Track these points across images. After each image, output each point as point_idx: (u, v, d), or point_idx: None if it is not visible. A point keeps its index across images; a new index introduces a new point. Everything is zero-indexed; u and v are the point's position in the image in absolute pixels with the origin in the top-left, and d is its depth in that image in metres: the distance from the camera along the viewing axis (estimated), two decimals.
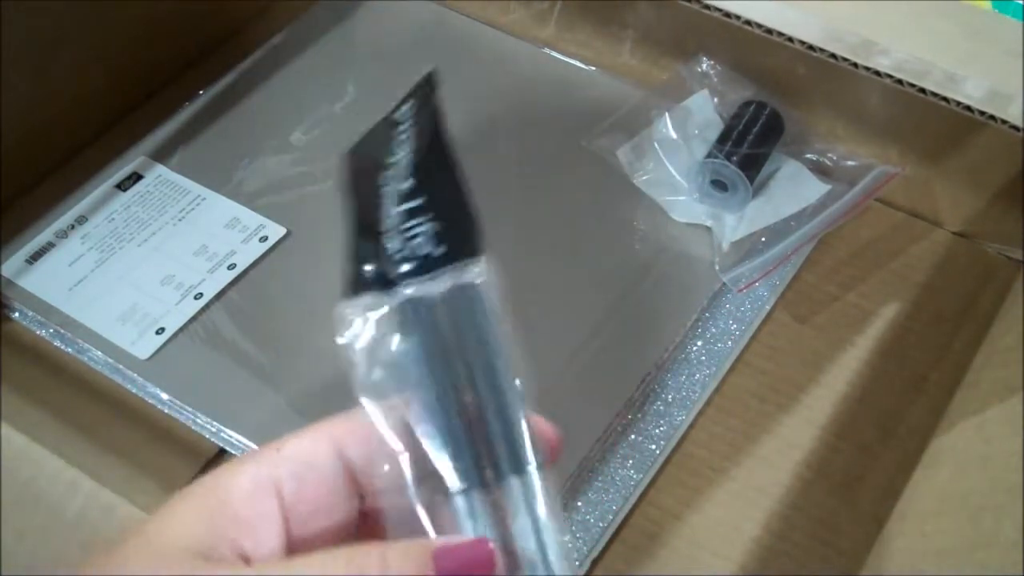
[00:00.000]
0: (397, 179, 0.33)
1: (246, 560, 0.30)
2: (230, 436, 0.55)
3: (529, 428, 0.33)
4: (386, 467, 0.32)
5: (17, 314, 0.60)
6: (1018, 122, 0.45)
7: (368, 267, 0.33)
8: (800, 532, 0.54)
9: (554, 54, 0.74)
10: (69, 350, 0.59)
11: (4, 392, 0.57)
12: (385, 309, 0.32)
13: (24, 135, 0.65)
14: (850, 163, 0.66)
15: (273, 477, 0.31)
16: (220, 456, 0.56)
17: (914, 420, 0.57)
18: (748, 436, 0.57)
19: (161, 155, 0.67)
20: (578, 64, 0.73)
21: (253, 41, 0.75)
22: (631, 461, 0.56)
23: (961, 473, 0.46)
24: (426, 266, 0.32)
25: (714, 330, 0.61)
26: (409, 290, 0.32)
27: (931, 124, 0.64)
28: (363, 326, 0.32)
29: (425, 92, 0.34)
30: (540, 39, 0.75)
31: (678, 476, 0.56)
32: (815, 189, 0.65)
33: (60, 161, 0.69)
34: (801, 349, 0.61)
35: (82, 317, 0.59)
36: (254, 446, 0.54)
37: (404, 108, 0.34)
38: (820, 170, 0.66)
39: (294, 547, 0.31)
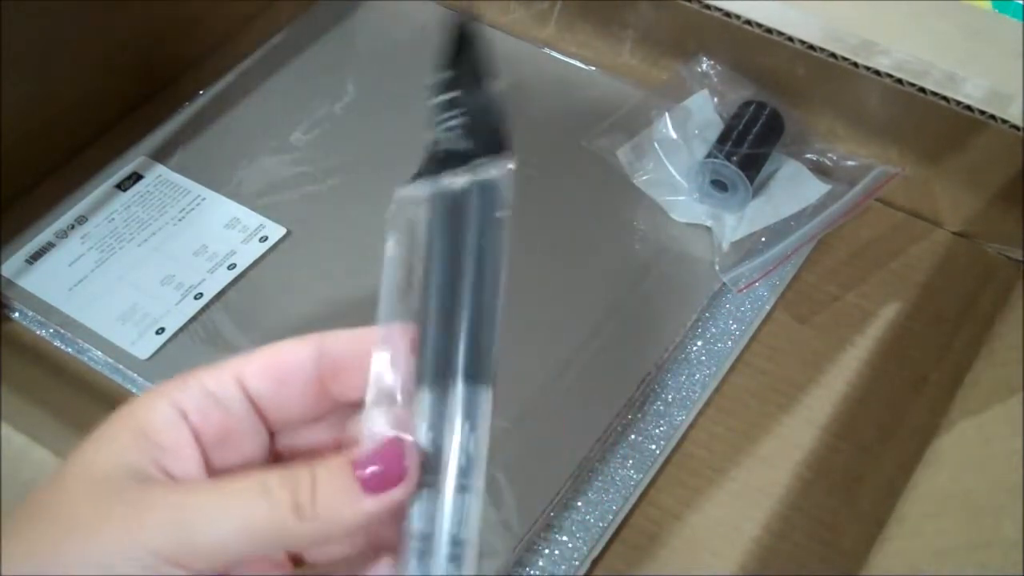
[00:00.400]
0: (442, 80, 0.35)
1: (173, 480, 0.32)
2: None
3: (495, 352, 0.33)
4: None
5: (17, 314, 0.60)
6: (1018, 122, 0.45)
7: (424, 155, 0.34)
8: (800, 532, 0.54)
9: (554, 54, 0.74)
10: (69, 350, 0.59)
11: (4, 392, 0.57)
12: (409, 200, 0.34)
13: (24, 135, 0.65)
14: (850, 163, 0.66)
15: (181, 407, 0.33)
16: None
17: (914, 420, 0.57)
18: (748, 436, 0.57)
19: (161, 155, 0.68)
20: (578, 64, 0.73)
21: (253, 41, 0.75)
22: (631, 461, 0.56)
23: (961, 473, 0.46)
24: (456, 159, 0.34)
25: (714, 330, 0.61)
26: (429, 186, 0.34)
27: (931, 124, 0.64)
28: (395, 213, 0.34)
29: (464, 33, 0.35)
30: (540, 39, 0.75)
31: (678, 476, 0.56)
32: (815, 189, 0.65)
33: (60, 161, 0.69)
34: (801, 349, 0.61)
35: (82, 317, 0.59)
36: None
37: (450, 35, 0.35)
38: (820, 170, 0.66)
39: (211, 474, 0.33)
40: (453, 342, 0.32)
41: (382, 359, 0.33)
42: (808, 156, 0.67)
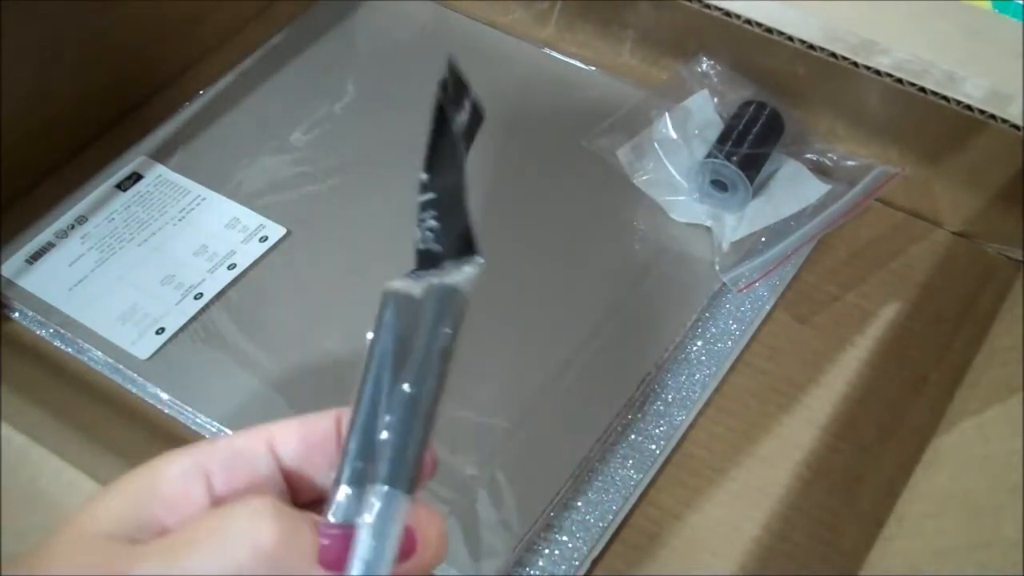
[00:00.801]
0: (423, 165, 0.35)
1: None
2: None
3: (415, 456, 0.32)
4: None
5: (17, 314, 0.60)
6: (1018, 122, 0.45)
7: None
8: (800, 532, 0.54)
9: (554, 54, 0.74)
10: (69, 350, 0.59)
11: (4, 392, 0.57)
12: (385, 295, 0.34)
13: (24, 135, 0.65)
14: (850, 163, 0.66)
15: (203, 465, 0.33)
16: None
17: (914, 420, 0.57)
18: (748, 436, 0.57)
19: (161, 155, 0.68)
20: (578, 64, 0.73)
21: (253, 41, 0.75)
22: (631, 461, 0.56)
23: (961, 473, 0.46)
24: (427, 260, 0.34)
25: (714, 330, 0.61)
26: (397, 283, 0.34)
27: (931, 124, 0.64)
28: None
29: (447, 89, 0.35)
30: (540, 39, 0.75)
31: (678, 476, 0.56)
32: (815, 189, 0.65)
33: (60, 161, 0.69)
34: (801, 349, 0.61)
35: (82, 317, 0.59)
36: None
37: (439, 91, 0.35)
38: (820, 170, 0.66)
39: None
40: (378, 442, 0.32)
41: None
42: (808, 156, 0.67)
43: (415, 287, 0.34)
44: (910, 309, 0.63)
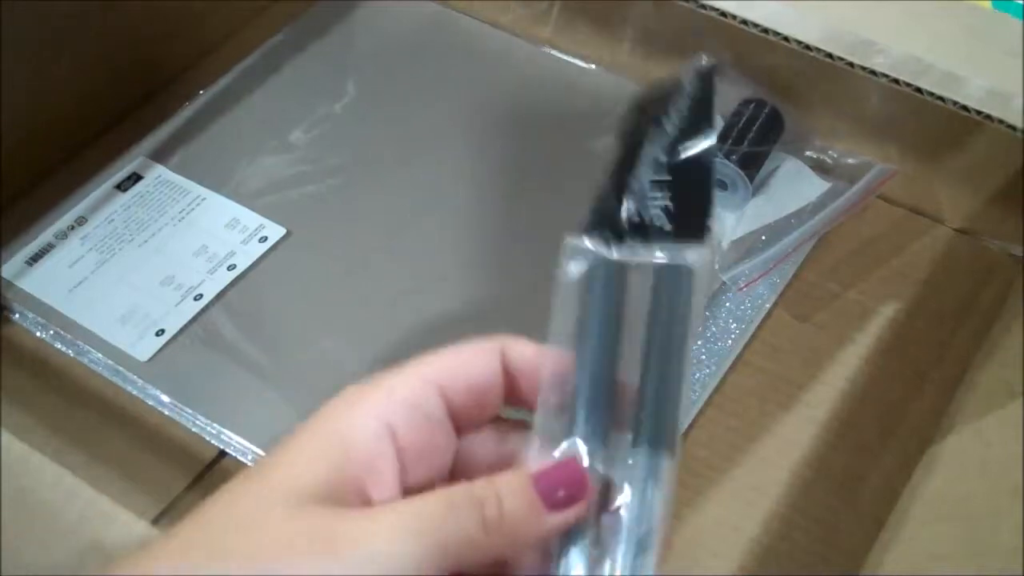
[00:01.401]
0: (659, 146, 0.35)
1: (368, 505, 0.31)
2: (230, 438, 0.55)
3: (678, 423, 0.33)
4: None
5: (17, 316, 0.60)
6: (1018, 122, 0.45)
7: (607, 214, 0.35)
8: (800, 532, 0.54)
9: (554, 53, 0.74)
10: (69, 352, 0.59)
11: (4, 394, 0.57)
12: (599, 260, 0.34)
13: (24, 135, 0.65)
14: (850, 161, 0.66)
15: (388, 424, 0.32)
16: (218, 460, 0.56)
17: (915, 419, 0.57)
18: (748, 436, 0.57)
19: (161, 155, 0.67)
20: (578, 63, 0.73)
21: (253, 41, 0.75)
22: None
23: (960, 477, 0.46)
24: (652, 236, 0.34)
25: (714, 329, 0.61)
26: (625, 253, 0.34)
27: (931, 121, 0.64)
28: (575, 269, 0.35)
29: (708, 80, 0.35)
30: (540, 38, 0.75)
31: (678, 476, 0.56)
32: (815, 187, 0.65)
33: (60, 161, 0.69)
34: (801, 348, 0.61)
35: (82, 319, 0.59)
36: (255, 448, 0.54)
37: (692, 80, 0.35)
38: (820, 168, 0.66)
39: (405, 493, 0.32)
40: (642, 406, 0.33)
41: (555, 384, 0.34)
42: (808, 154, 0.67)
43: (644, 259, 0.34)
44: (911, 306, 0.62)
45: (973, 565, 0.40)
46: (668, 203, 0.34)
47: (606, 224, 0.35)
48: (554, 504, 0.31)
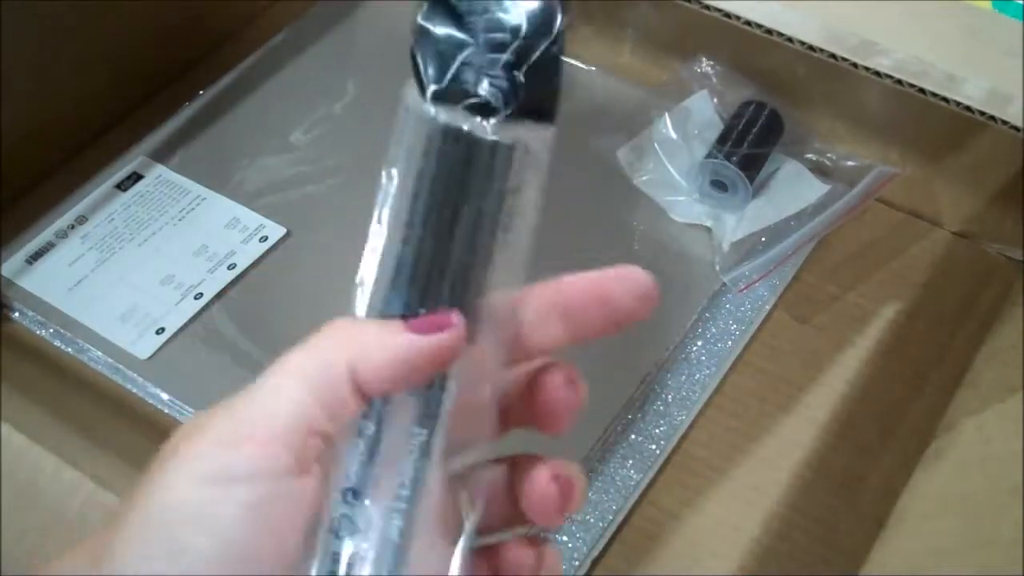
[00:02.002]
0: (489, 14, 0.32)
1: None
2: None
3: (480, 297, 0.33)
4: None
5: (17, 314, 0.60)
6: (1018, 122, 0.45)
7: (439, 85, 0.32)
8: (800, 532, 0.54)
9: None
10: (69, 350, 0.59)
11: (4, 392, 0.57)
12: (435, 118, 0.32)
13: (24, 135, 0.65)
14: (850, 163, 0.66)
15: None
16: None
17: (914, 420, 0.57)
18: (748, 436, 0.57)
19: (161, 155, 0.67)
20: (578, 64, 0.73)
21: (253, 41, 0.75)
22: (631, 461, 0.56)
23: (961, 474, 0.46)
24: (488, 111, 0.32)
25: (714, 330, 0.61)
26: (455, 117, 0.32)
27: (931, 124, 0.64)
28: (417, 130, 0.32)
29: None
30: None
31: (678, 476, 0.56)
32: (815, 189, 0.65)
33: (60, 161, 0.69)
34: (801, 349, 0.61)
35: (82, 317, 0.59)
36: None
37: None
38: (820, 170, 0.66)
39: None
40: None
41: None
42: (808, 156, 0.67)
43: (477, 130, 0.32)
44: (910, 309, 0.63)
45: (973, 561, 0.40)
46: (512, 81, 0.32)
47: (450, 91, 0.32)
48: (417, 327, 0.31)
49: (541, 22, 0.32)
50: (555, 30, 0.32)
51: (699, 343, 0.60)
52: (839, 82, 0.65)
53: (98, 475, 0.53)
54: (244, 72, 0.73)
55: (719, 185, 0.64)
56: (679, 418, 0.57)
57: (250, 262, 0.62)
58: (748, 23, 0.48)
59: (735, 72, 0.69)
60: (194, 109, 0.70)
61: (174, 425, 0.56)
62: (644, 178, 0.66)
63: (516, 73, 0.32)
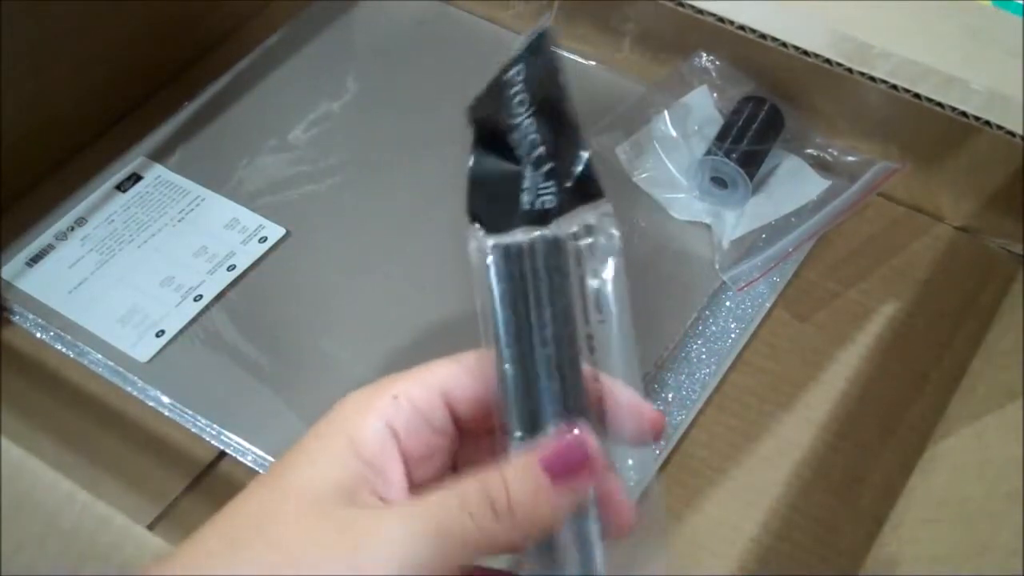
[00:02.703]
0: (526, 142, 0.34)
1: (379, 503, 0.32)
2: (230, 439, 0.55)
3: (579, 378, 0.33)
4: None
5: (17, 317, 0.60)
6: (1018, 127, 0.45)
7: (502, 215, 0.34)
8: (800, 532, 0.54)
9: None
10: (69, 353, 0.59)
11: (4, 394, 0.57)
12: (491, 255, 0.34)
13: (24, 135, 0.65)
14: (851, 159, 0.66)
15: (391, 425, 0.33)
16: (216, 464, 0.56)
17: (915, 419, 0.57)
18: (748, 435, 0.57)
19: (161, 155, 0.67)
20: (578, 59, 0.73)
21: (252, 40, 0.75)
22: (631, 461, 0.55)
23: (958, 479, 0.46)
24: (547, 218, 0.34)
25: (714, 328, 0.60)
26: (509, 239, 0.34)
27: (932, 119, 0.63)
28: (483, 261, 0.34)
29: (536, 52, 0.34)
30: None
31: (678, 476, 0.56)
32: (816, 185, 0.65)
33: (60, 161, 0.69)
34: (801, 347, 0.61)
35: (82, 320, 0.59)
36: (255, 449, 0.54)
37: (514, 69, 0.34)
38: (821, 166, 0.66)
39: (411, 492, 0.33)
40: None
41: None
42: (809, 152, 0.66)
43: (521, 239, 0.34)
44: (911, 306, 0.62)
45: (971, 568, 0.40)
46: (556, 184, 0.34)
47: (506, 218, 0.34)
48: (558, 474, 0.31)
49: (572, 133, 0.34)
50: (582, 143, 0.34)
51: (699, 342, 0.60)
52: (839, 79, 0.64)
53: (95, 482, 0.53)
54: (243, 71, 0.73)
55: (719, 182, 0.64)
56: (679, 417, 0.57)
57: (250, 263, 0.62)
58: (742, 27, 0.48)
59: (735, 68, 0.68)
60: (193, 109, 0.70)
61: (172, 430, 0.56)
62: (643, 175, 0.66)
63: (564, 180, 0.34)
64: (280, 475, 0.32)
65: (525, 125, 0.34)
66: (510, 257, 0.34)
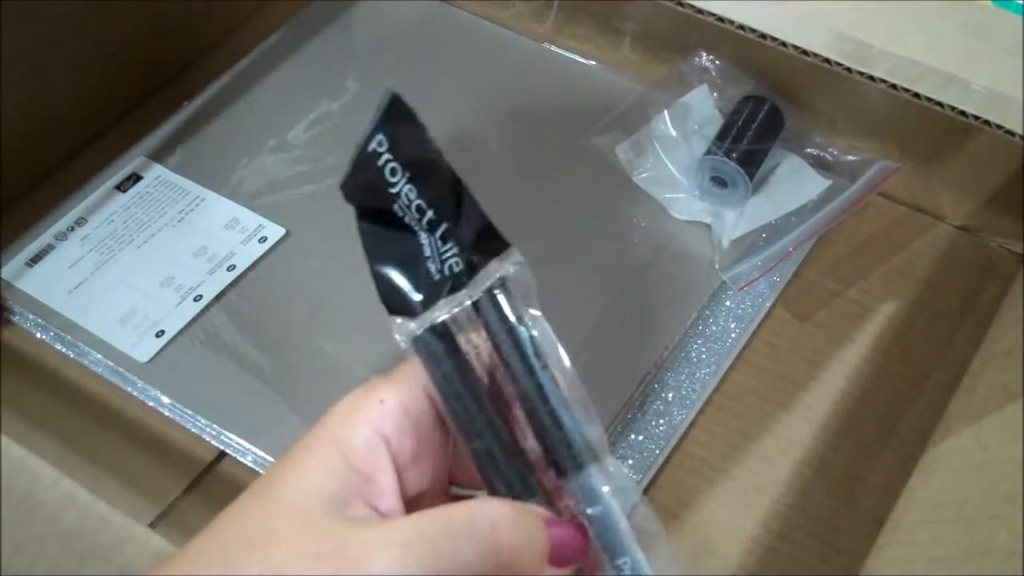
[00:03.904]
0: (412, 209, 0.34)
1: (372, 512, 0.32)
2: (230, 439, 0.55)
3: (576, 422, 0.34)
4: None
5: (17, 317, 0.60)
6: (1017, 127, 0.45)
7: (417, 296, 0.34)
8: (800, 532, 0.54)
9: (554, 49, 0.74)
10: (69, 353, 0.59)
11: (4, 395, 0.57)
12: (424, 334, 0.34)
13: (24, 135, 0.65)
14: (851, 158, 0.66)
15: (381, 432, 0.32)
16: (216, 464, 0.56)
17: (915, 418, 0.57)
18: (748, 435, 0.57)
19: (160, 155, 0.67)
20: (578, 59, 0.73)
21: (251, 40, 0.75)
22: (631, 461, 0.56)
23: (957, 481, 0.46)
24: (460, 284, 0.34)
25: (714, 328, 0.60)
26: (429, 321, 0.34)
27: (932, 118, 0.63)
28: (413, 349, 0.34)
29: (392, 117, 0.34)
30: (539, 34, 0.75)
31: (678, 476, 0.56)
32: (816, 184, 0.65)
33: (60, 161, 0.69)
34: (801, 347, 0.61)
35: (82, 320, 0.59)
36: (255, 449, 0.54)
37: (375, 140, 0.34)
38: (821, 165, 0.66)
39: (404, 497, 0.33)
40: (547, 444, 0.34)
41: None
42: (809, 151, 0.66)
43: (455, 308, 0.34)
44: (911, 305, 0.62)
45: (969, 569, 0.40)
46: (458, 247, 0.34)
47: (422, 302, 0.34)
48: (556, 560, 0.32)
49: (456, 189, 0.35)
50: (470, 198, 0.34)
51: (699, 341, 0.60)
52: (839, 77, 0.64)
53: (95, 482, 0.53)
54: (242, 71, 0.73)
55: (719, 182, 0.64)
56: (679, 417, 0.57)
57: (250, 263, 0.62)
58: (742, 27, 0.48)
59: (735, 67, 0.68)
60: (193, 109, 0.70)
61: (172, 430, 0.56)
62: (643, 175, 0.66)
63: (465, 239, 0.34)
64: (271, 488, 0.31)
65: (405, 192, 0.34)
66: (442, 335, 0.33)
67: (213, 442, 0.55)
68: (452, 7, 0.77)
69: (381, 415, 0.33)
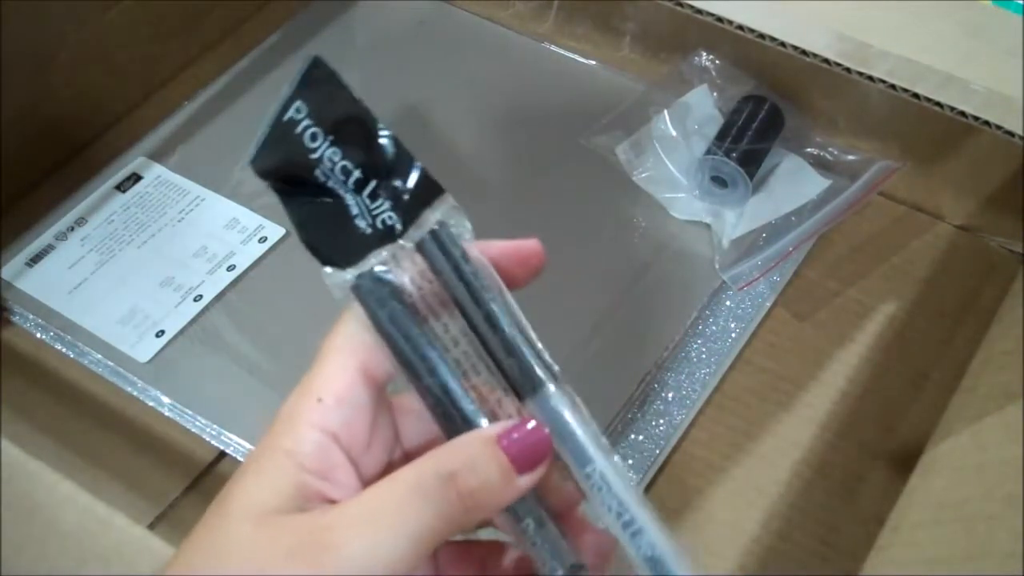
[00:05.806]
0: (337, 171, 0.34)
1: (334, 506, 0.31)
2: (230, 439, 0.55)
3: (533, 344, 0.34)
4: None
5: (17, 317, 0.60)
6: (1017, 127, 0.45)
7: (350, 250, 0.35)
8: (800, 532, 0.54)
9: (553, 49, 0.74)
10: (69, 353, 0.59)
11: (4, 395, 0.57)
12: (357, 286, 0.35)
13: (24, 135, 0.65)
14: (851, 157, 0.66)
15: (329, 431, 0.32)
16: (215, 465, 0.56)
17: (915, 418, 0.57)
18: (748, 435, 0.57)
19: (160, 155, 0.67)
20: (577, 58, 0.73)
21: (251, 40, 0.75)
22: (631, 461, 0.55)
23: (956, 482, 0.46)
24: (393, 235, 0.34)
25: (714, 328, 0.60)
26: (366, 269, 0.34)
27: (932, 118, 0.63)
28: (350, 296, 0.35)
29: (311, 83, 0.34)
30: (539, 34, 0.75)
31: (678, 476, 0.56)
32: (816, 184, 0.65)
33: (60, 161, 0.69)
34: (801, 346, 0.61)
35: (82, 320, 0.59)
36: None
37: (292, 108, 0.33)
38: (821, 165, 0.66)
39: (365, 481, 0.32)
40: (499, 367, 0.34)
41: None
42: (809, 151, 0.66)
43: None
44: (911, 304, 0.62)
45: (970, 569, 0.40)
46: (389, 201, 0.34)
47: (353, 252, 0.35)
48: (523, 466, 0.31)
49: (388, 143, 0.34)
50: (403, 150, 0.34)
51: (699, 341, 0.60)
52: (839, 77, 0.64)
53: (95, 483, 0.53)
54: (242, 71, 0.73)
55: (719, 181, 0.64)
56: (679, 417, 0.57)
57: (249, 263, 0.62)
58: (741, 27, 0.48)
59: (735, 66, 0.68)
60: (193, 109, 0.70)
61: (172, 430, 0.56)
62: (643, 175, 0.66)
63: (400, 193, 0.34)
64: (230, 501, 0.31)
65: (328, 156, 0.33)
66: (381, 280, 0.34)
67: (213, 442, 0.55)
68: (452, 7, 0.77)
69: (323, 414, 0.32)
